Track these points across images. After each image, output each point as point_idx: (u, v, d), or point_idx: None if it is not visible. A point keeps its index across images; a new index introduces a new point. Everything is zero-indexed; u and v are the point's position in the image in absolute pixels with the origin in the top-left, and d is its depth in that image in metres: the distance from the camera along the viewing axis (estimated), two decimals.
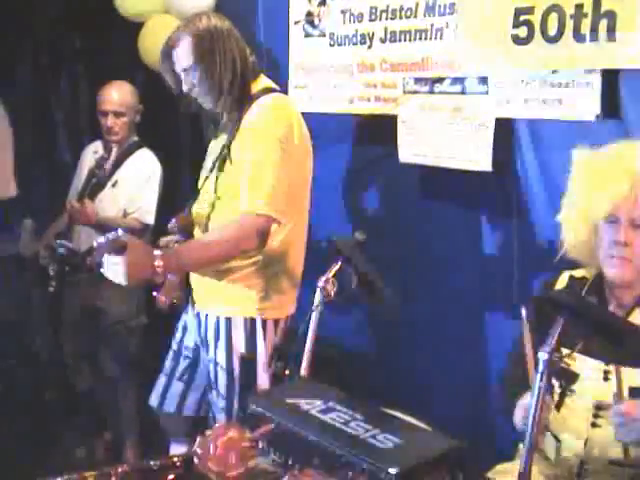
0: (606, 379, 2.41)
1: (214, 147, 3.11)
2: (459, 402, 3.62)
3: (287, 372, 2.81)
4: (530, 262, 3.27)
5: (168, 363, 3.29)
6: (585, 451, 2.42)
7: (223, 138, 3.03)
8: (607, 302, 2.50)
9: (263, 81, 3.08)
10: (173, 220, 3.16)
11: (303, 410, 2.14)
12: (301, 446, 2.03)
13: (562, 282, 2.61)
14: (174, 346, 3.30)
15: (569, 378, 2.43)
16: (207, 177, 3.07)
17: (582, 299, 2.28)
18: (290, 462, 2.02)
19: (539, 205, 3.22)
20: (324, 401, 2.18)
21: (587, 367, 2.41)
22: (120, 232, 2.66)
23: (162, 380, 3.29)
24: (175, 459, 1.99)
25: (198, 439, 1.85)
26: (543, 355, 1.91)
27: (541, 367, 1.92)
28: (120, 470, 1.89)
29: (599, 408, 2.40)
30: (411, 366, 3.80)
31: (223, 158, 2.97)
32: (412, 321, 3.71)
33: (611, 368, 2.36)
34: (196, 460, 1.81)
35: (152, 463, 1.96)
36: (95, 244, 2.71)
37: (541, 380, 1.92)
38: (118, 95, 4.27)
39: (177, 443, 3.21)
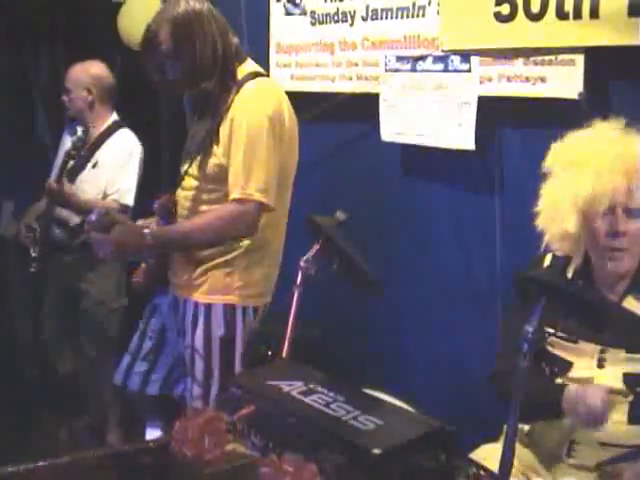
0: (601, 367, 2.39)
1: (197, 130, 3.06)
2: (443, 384, 3.61)
3: (269, 354, 2.81)
4: (512, 241, 3.26)
5: (133, 343, 3.28)
6: (575, 433, 2.41)
7: (207, 121, 2.98)
8: (597, 290, 2.46)
9: (249, 65, 3.03)
10: (157, 201, 3.13)
11: (284, 392, 2.13)
12: (282, 428, 2.02)
13: (547, 261, 2.59)
14: (141, 326, 3.28)
15: (563, 366, 2.42)
16: (192, 160, 3.02)
17: (565, 279, 2.26)
18: (270, 445, 2.01)
19: (521, 184, 3.19)
20: (305, 383, 2.17)
21: (582, 354, 2.39)
22: (108, 208, 2.67)
23: (126, 359, 3.28)
24: (151, 443, 1.97)
25: (176, 424, 1.83)
26: (526, 334, 1.89)
27: (525, 346, 1.90)
28: (96, 454, 1.87)
29: None
30: (395, 348, 3.80)
31: (210, 141, 2.92)
32: (395, 301, 3.70)
33: (606, 356, 2.36)
34: (172, 444, 1.80)
35: (128, 447, 1.95)
36: (86, 219, 2.71)
37: (524, 359, 1.90)
38: (70, 72, 4.29)
39: (152, 427, 3.20)
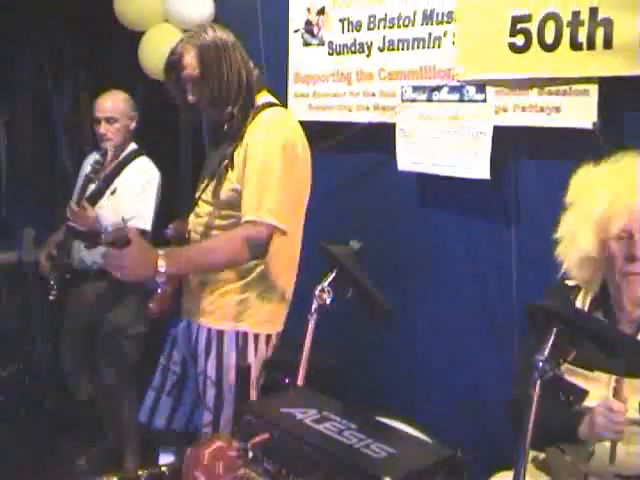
0: (615, 395, 2.39)
1: (214, 157, 3.12)
2: (460, 414, 3.60)
3: (286, 381, 2.82)
4: (529, 271, 3.26)
5: (157, 378, 3.27)
6: (591, 464, 2.41)
7: (224, 148, 3.03)
8: (615, 318, 2.48)
9: (266, 96, 3.11)
10: (170, 226, 3.16)
11: (298, 419, 2.14)
12: (295, 455, 2.03)
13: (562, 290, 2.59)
14: (162, 360, 3.27)
15: (578, 395, 2.42)
16: (206, 186, 3.07)
17: (575, 309, 2.27)
18: (284, 472, 2.03)
19: (537, 213, 3.21)
20: (319, 410, 2.19)
21: (597, 383, 2.39)
22: (124, 224, 2.70)
23: (151, 395, 3.27)
24: (164, 469, 1.99)
25: (188, 450, 1.85)
26: (537, 363, 1.90)
27: (535, 376, 1.91)
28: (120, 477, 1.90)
29: None
30: (412, 377, 3.79)
31: (225, 167, 2.97)
32: (412, 331, 3.72)
33: (622, 385, 2.34)
34: (185, 470, 1.81)
35: (141, 473, 1.97)
36: (103, 230, 2.73)
37: (535, 389, 1.91)
38: (110, 102, 4.29)
39: (166, 453, 3.20)
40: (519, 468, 1.95)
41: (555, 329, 1.89)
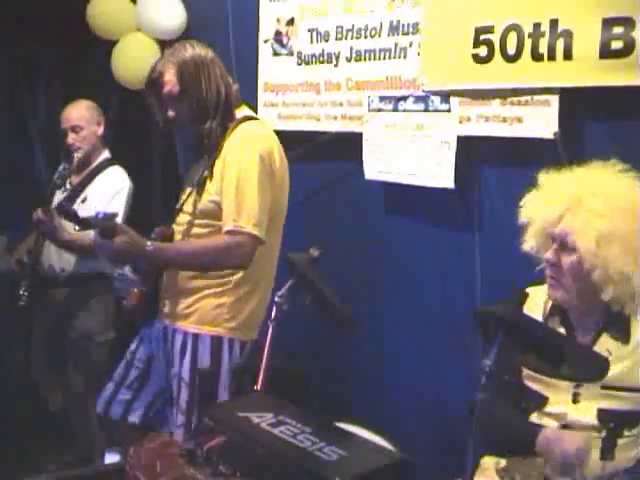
0: (576, 402, 2.43)
1: (195, 168, 3.18)
2: (426, 417, 3.64)
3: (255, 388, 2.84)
4: (492, 277, 3.30)
5: (118, 372, 3.33)
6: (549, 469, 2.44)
7: (204, 161, 3.10)
8: (572, 326, 2.52)
9: (244, 110, 3.18)
10: (155, 231, 3.20)
11: (254, 423, 2.16)
12: (248, 458, 2.05)
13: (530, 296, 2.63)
14: (128, 356, 3.32)
15: (538, 401, 2.45)
16: (187, 196, 3.13)
17: (521, 314, 2.30)
18: (238, 474, 2.05)
19: (500, 221, 3.24)
20: (275, 415, 2.21)
21: (557, 389, 2.43)
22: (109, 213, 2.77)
23: (110, 387, 3.33)
24: (108, 467, 2.01)
25: (130, 449, 1.87)
26: (484, 367, 1.93)
27: (482, 380, 1.94)
28: (57, 476, 1.92)
29: (566, 428, 2.41)
30: (379, 382, 3.82)
31: (204, 178, 3.03)
32: (379, 337, 3.75)
33: (581, 391, 2.39)
34: (127, 468, 1.83)
35: (85, 470, 1.99)
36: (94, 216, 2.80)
37: (481, 392, 1.94)
38: (73, 112, 4.31)
39: (111, 452, 3.23)
40: (469, 474, 1.97)
41: (501, 334, 1.92)
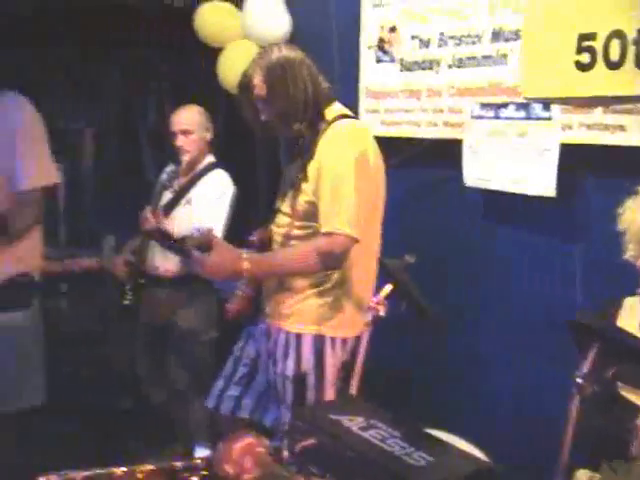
0: None
1: (290, 170, 3.22)
2: (517, 427, 3.60)
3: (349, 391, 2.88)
4: (593, 289, 3.26)
5: (227, 368, 3.40)
6: None
7: (299, 162, 3.13)
8: None
9: (337, 107, 3.17)
10: (254, 234, 3.28)
11: (344, 426, 2.20)
12: (338, 460, 2.09)
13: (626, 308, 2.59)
14: (236, 352, 3.40)
15: (632, 412, 2.41)
16: (283, 197, 3.18)
17: (612, 325, 2.27)
18: (328, 476, 2.09)
19: (602, 231, 3.20)
20: (366, 418, 2.24)
21: None
22: (208, 229, 2.88)
23: (220, 383, 3.40)
24: (198, 461, 2.07)
25: (219, 444, 1.93)
26: (575, 380, 1.92)
27: (576, 389, 1.93)
28: (147, 468, 1.98)
29: None
30: (474, 392, 3.80)
31: (299, 179, 3.06)
32: (475, 345, 3.73)
33: None
34: (215, 462, 1.89)
35: (176, 464, 2.05)
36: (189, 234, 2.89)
37: (574, 404, 1.93)
38: (185, 115, 4.41)
39: (200, 446, 3.29)
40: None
41: (595, 345, 1.91)
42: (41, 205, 3.53)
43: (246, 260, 2.95)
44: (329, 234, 2.94)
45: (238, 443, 1.90)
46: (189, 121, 4.38)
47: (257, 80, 3.07)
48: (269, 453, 1.93)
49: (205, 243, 2.89)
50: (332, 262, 2.99)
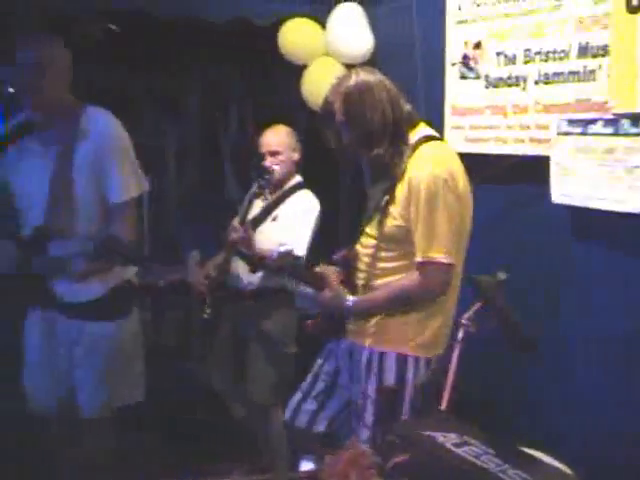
0: None
1: (374, 192, 3.26)
2: (610, 448, 3.54)
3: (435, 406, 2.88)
4: None
5: (306, 383, 3.48)
6: None
7: (382, 183, 3.17)
8: None
9: (422, 129, 3.21)
10: (338, 253, 3.34)
11: (438, 442, 2.21)
12: (433, 476, 2.10)
13: None
14: (315, 368, 3.47)
15: None
16: (370, 220, 3.22)
17: None
18: None
19: None
20: (459, 435, 2.24)
21: None
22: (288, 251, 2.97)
23: (297, 396, 3.48)
24: (303, 475, 2.10)
25: (326, 457, 1.95)
26: None
27: None
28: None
29: None
30: (563, 409, 3.76)
31: (387, 202, 3.10)
32: (562, 364, 3.69)
33: None
34: (321, 476, 1.91)
35: (281, 478, 2.07)
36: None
37: None
38: (273, 136, 4.48)
39: (306, 460, 3.32)
40: None
41: None
42: (136, 214, 3.61)
43: (350, 303, 3.15)
44: (426, 264, 3.00)
45: (344, 456, 1.92)
46: (278, 142, 4.45)
47: (336, 106, 3.12)
48: (372, 467, 1.94)
49: (312, 279, 3.12)
50: (434, 292, 3.07)
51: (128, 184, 3.53)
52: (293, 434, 3.50)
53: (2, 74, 4.73)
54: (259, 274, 4.29)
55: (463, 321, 2.69)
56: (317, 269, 3.33)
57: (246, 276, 4.35)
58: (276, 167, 4.39)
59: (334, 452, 1.98)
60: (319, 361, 3.46)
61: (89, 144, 3.44)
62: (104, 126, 3.52)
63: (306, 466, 3.21)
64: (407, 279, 3.08)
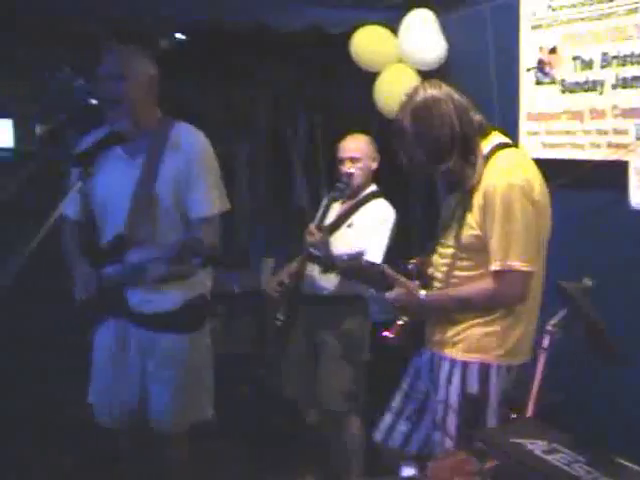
0: None
1: (450, 201, 3.26)
2: None
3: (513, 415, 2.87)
4: None
5: (396, 402, 3.44)
6: None
7: (457, 194, 3.19)
8: None
9: (496, 137, 3.19)
10: (412, 262, 3.35)
11: (527, 449, 2.20)
12: None
13: None
14: (404, 386, 3.44)
15: None
16: (446, 229, 3.22)
17: None
18: None
19: None
20: (548, 442, 2.23)
21: None
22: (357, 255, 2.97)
23: (388, 418, 3.44)
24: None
25: (430, 463, 1.95)
26: None
27: None
28: None
29: None
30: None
31: (464, 212, 3.11)
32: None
33: None
34: None
35: None
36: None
37: None
38: (354, 143, 4.51)
39: (407, 466, 3.31)
40: None
41: None
42: (217, 229, 3.64)
43: (424, 297, 3.14)
44: (499, 272, 2.99)
45: (449, 462, 1.93)
46: (358, 149, 4.48)
47: (405, 123, 3.12)
48: (476, 474, 1.95)
49: (383, 282, 3.08)
50: (511, 300, 3.05)
51: (213, 200, 3.58)
52: (386, 455, 3.48)
53: (86, 87, 4.83)
54: (335, 280, 4.31)
55: (549, 327, 2.67)
56: (385, 269, 3.31)
57: (321, 282, 4.38)
58: (356, 172, 4.42)
59: (437, 458, 1.98)
60: (407, 379, 3.44)
61: (179, 157, 3.50)
62: (195, 141, 3.59)
63: (408, 472, 3.22)
64: (484, 282, 3.06)
